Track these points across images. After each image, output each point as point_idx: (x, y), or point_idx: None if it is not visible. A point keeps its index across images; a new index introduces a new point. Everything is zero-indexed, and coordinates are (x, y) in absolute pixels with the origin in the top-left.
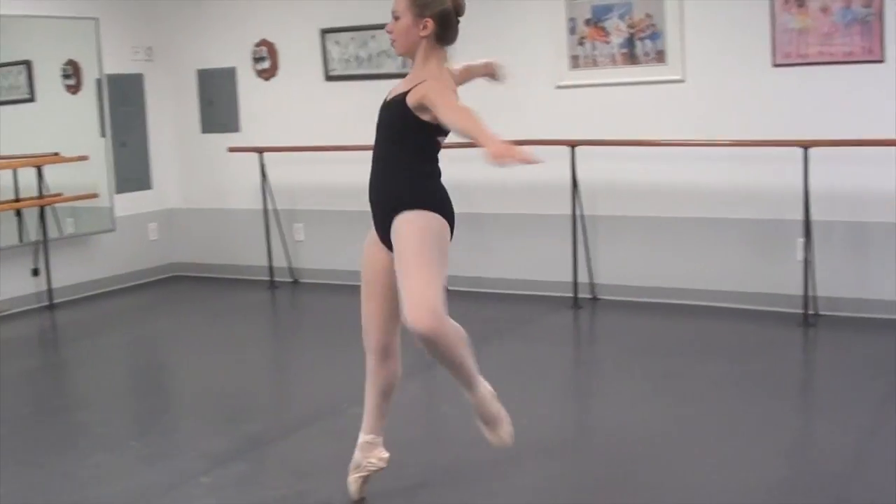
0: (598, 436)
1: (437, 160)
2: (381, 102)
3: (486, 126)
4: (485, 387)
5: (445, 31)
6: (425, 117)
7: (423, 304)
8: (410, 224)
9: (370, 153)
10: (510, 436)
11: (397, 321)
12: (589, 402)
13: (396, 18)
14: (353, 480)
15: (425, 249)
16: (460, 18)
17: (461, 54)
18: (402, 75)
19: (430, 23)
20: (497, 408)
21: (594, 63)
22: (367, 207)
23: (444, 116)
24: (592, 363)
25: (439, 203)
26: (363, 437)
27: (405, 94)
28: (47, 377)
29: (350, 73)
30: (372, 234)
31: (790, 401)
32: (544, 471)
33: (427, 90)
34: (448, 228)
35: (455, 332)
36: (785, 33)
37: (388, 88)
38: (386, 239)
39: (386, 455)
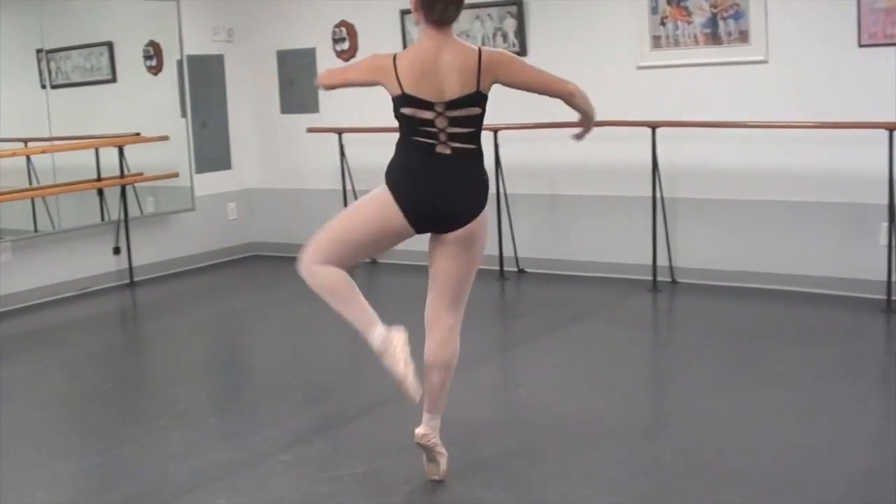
0: (677, 420)
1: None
2: None
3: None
4: (379, 331)
5: (429, 10)
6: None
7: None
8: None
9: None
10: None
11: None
12: (668, 387)
13: None
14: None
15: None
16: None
17: (543, 35)
18: None
19: (415, 2)
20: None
21: (676, 43)
22: None
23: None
24: (671, 347)
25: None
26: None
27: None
28: (128, 354)
29: None
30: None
31: (873, 387)
32: (622, 454)
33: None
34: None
35: (327, 279)
36: (871, 13)
37: None
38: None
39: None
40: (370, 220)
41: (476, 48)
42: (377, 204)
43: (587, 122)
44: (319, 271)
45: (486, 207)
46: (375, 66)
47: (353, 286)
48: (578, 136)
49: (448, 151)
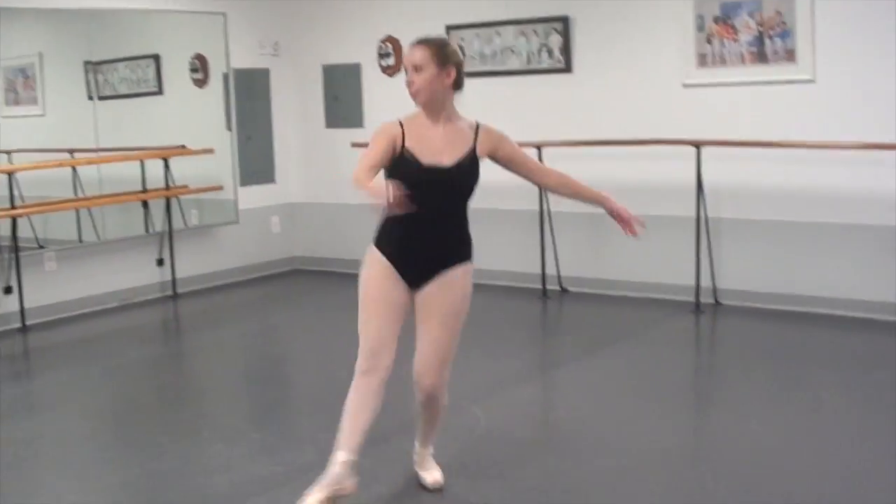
0: (719, 444)
1: None
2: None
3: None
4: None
5: (461, 78)
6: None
7: (445, 365)
8: (466, 282)
9: None
10: (442, 477)
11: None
12: (710, 409)
13: (417, 69)
14: (324, 499)
15: (464, 314)
16: None
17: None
18: (527, 72)
19: (453, 71)
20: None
21: (722, 61)
22: (488, 206)
23: (530, 162)
24: (714, 369)
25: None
26: (349, 457)
27: (474, 151)
28: (170, 365)
29: (474, 69)
30: (386, 266)
31: None
32: (664, 478)
33: (514, 148)
34: None
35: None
36: None
37: (513, 85)
38: (413, 280)
39: (356, 480)
40: None
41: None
42: None
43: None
44: None
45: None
46: None
47: None
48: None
49: None
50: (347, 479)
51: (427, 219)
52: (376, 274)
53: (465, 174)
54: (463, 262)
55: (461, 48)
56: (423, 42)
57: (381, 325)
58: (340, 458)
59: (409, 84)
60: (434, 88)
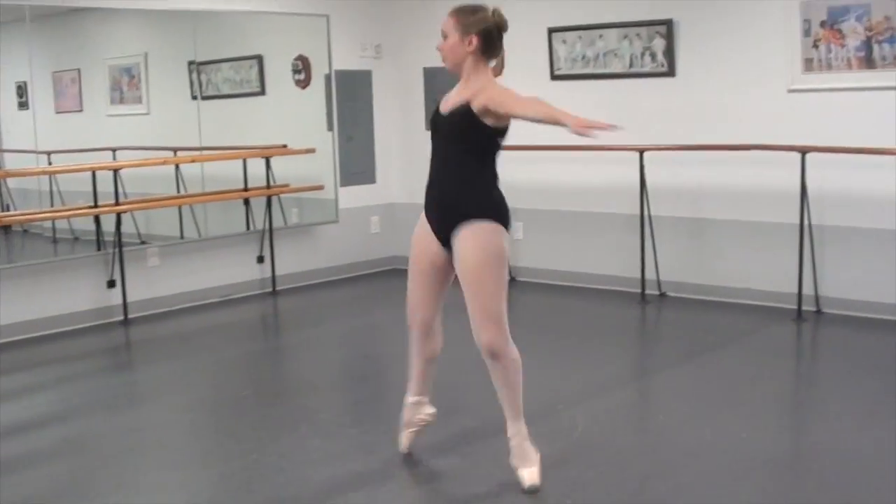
0: (819, 455)
1: (496, 165)
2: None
3: (557, 107)
4: (525, 423)
5: (489, 46)
6: (489, 121)
7: (489, 319)
8: (476, 238)
9: (591, 153)
10: (539, 477)
11: (440, 302)
12: (810, 419)
13: (445, 37)
14: (406, 436)
15: (488, 268)
16: (504, 34)
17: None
18: (630, 75)
19: (475, 39)
20: (531, 447)
21: (829, 67)
22: (587, 208)
23: (516, 109)
24: (815, 379)
25: (502, 212)
26: (412, 399)
27: (467, 102)
28: (268, 361)
29: (576, 72)
30: (425, 225)
31: None
32: (763, 487)
33: (491, 94)
34: (507, 237)
35: (516, 354)
36: None
37: (615, 88)
38: (444, 237)
39: (433, 410)
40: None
41: None
42: (505, 253)
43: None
44: (512, 343)
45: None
46: None
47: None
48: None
49: None
50: (419, 413)
51: (437, 168)
52: (416, 233)
53: (454, 121)
54: (477, 219)
55: (495, 18)
56: (453, 11)
57: (413, 286)
58: (407, 401)
59: (439, 51)
60: (456, 54)
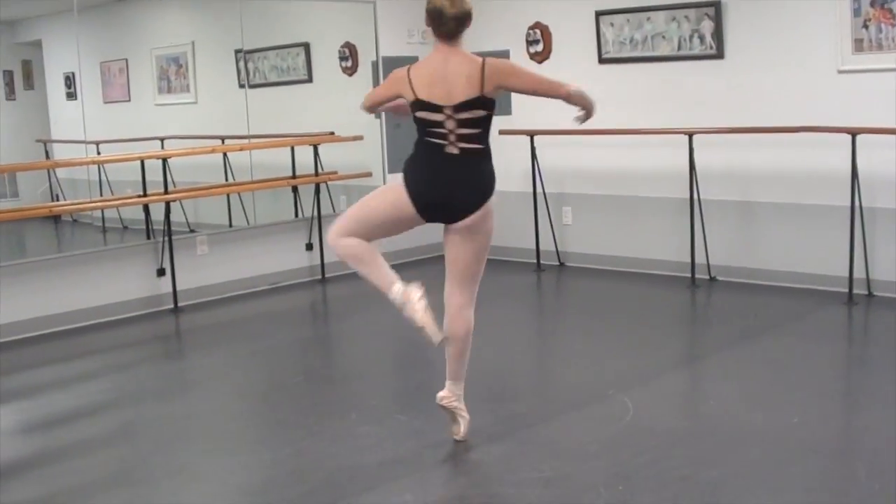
0: (872, 440)
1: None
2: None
3: None
4: (398, 288)
5: (436, 26)
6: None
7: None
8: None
9: (640, 137)
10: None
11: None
12: (863, 404)
13: None
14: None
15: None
16: (455, 15)
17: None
18: (678, 58)
19: (427, 20)
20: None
21: (879, 47)
22: (637, 193)
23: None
24: (867, 363)
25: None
26: (446, 383)
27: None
28: (318, 348)
29: (624, 55)
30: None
31: None
32: (815, 472)
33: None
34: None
35: (350, 248)
36: None
37: (663, 71)
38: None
39: (455, 399)
40: (386, 207)
41: (480, 59)
42: (393, 194)
43: (586, 113)
44: (344, 241)
45: (494, 198)
46: (394, 78)
47: (373, 252)
48: (579, 119)
49: (456, 151)
50: (447, 399)
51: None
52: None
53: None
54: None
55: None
56: None
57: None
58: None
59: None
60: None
